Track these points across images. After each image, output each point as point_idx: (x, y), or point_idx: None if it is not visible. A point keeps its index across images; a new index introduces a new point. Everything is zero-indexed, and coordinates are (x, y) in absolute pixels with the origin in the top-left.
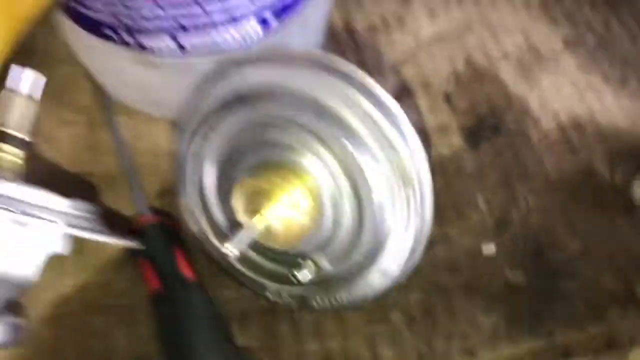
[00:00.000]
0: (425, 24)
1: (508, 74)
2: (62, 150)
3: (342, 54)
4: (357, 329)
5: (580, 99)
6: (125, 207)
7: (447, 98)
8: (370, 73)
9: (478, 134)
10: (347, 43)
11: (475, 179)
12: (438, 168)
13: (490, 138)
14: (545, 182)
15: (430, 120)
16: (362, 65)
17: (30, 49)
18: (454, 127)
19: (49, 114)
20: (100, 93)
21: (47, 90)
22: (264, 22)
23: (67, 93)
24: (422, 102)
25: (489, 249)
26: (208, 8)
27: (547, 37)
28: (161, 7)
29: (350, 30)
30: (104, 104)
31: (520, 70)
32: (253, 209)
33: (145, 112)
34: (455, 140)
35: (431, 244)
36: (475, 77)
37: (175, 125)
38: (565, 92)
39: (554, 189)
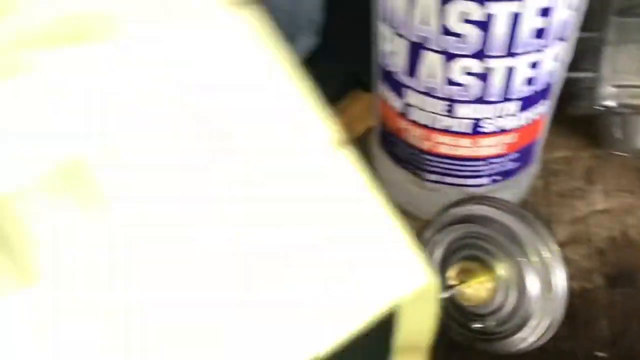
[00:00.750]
0: (599, 200)
1: None
2: None
3: (537, 205)
4: None
5: None
6: None
7: (600, 252)
8: (551, 223)
9: (616, 280)
10: (542, 200)
11: (604, 306)
12: (572, 287)
13: (625, 286)
14: None
15: (581, 262)
16: (549, 216)
17: None
18: (598, 271)
19: None
20: None
21: None
22: (493, 180)
23: None
24: (581, 250)
25: (601, 354)
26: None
27: None
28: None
29: (546, 192)
30: None
31: None
32: (460, 279)
33: (408, 211)
34: (596, 279)
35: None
36: (627, 245)
37: (426, 222)
38: None
39: None
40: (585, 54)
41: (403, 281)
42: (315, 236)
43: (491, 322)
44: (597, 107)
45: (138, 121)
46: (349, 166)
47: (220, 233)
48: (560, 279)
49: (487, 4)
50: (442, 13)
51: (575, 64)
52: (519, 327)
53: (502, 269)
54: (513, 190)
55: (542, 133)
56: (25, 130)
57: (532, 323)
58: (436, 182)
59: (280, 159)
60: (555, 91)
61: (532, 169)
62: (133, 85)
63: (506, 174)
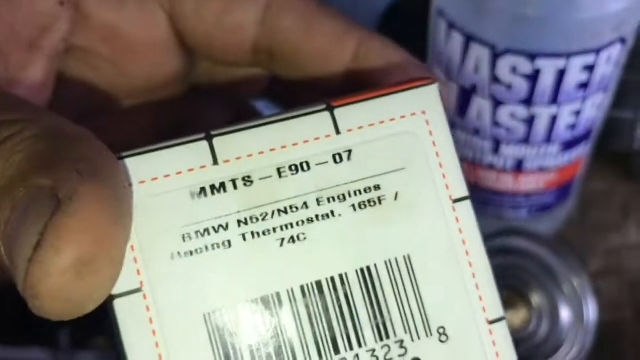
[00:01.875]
0: (633, 233)
1: None
2: None
3: (572, 236)
4: None
5: None
6: None
7: (631, 285)
8: (584, 255)
9: None
10: (577, 231)
11: (631, 339)
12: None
13: None
14: None
15: (612, 294)
16: (583, 247)
17: None
18: (628, 304)
19: None
20: None
21: None
22: (530, 212)
23: None
24: (613, 282)
25: None
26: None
27: None
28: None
29: (582, 223)
30: None
31: None
32: None
33: None
34: (626, 311)
35: None
36: None
37: None
38: None
39: None
40: (627, 94)
41: None
42: None
43: (524, 349)
44: (636, 147)
45: None
46: None
47: None
48: (591, 310)
49: (536, 60)
50: (493, 65)
51: (617, 103)
52: (550, 354)
53: (535, 299)
54: (550, 222)
55: (581, 171)
56: None
57: (563, 351)
58: (477, 212)
59: None
60: (595, 133)
61: (570, 203)
62: None
63: (544, 208)
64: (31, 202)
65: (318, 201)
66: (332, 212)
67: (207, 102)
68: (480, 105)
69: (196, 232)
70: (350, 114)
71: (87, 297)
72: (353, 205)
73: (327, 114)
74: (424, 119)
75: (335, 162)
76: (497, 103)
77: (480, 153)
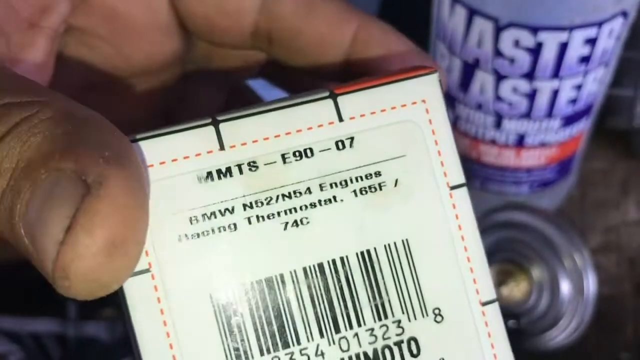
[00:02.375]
0: (632, 211)
1: None
2: None
3: (572, 214)
4: None
5: None
6: None
7: (630, 260)
8: (584, 231)
9: None
10: (577, 208)
11: (630, 312)
12: (601, 293)
13: None
14: None
15: (611, 269)
16: (584, 224)
17: None
18: (627, 279)
19: None
20: None
21: None
22: (531, 188)
23: None
24: (612, 258)
25: (625, 355)
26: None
27: None
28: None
29: (582, 201)
30: None
31: None
32: (498, 280)
33: None
34: (625, 286)
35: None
36: None
37: None
38: None
39: None
40: (626, 72)
41: None
42: None
43: (524, 321)
44: (635, 124)
45: None
46: None
47: None
48: (591, 284)
49: (539, 33)
50: (496, 38)
51: (617, 81)
52: (550, 326)
53: (536, 272)
54: (550, 199)
55: (581, 147)
56: None
57: (563, 323)
58: (479, 188)
59: None
60: (596, 109)
61: (570, 179)
62: None
63: (545, 184)
64: (56, 186)
65: (321, 187)
66: (334, 198)
67: (203, 81)
68: (483, 80)
69: (203, 215)
70: (352, 102)
71: (115, 277)
72: (354, 191)
73: (330, 101)
74: (424, 108)
75: (338, 148)
76: (499, 77)
77: (482, 128)
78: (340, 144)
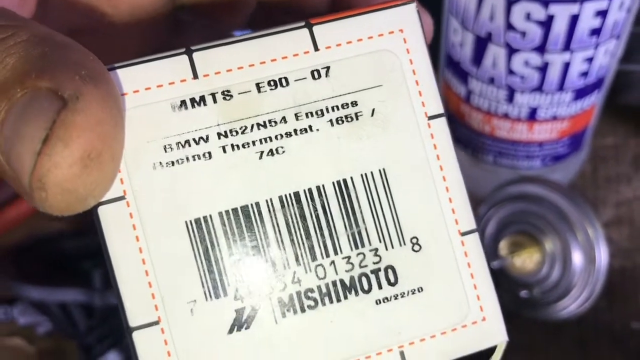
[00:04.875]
0: None
1: None
2: None
3: (585, 188)
4: None
5: None
6: None
7: None
8: (596, 205)
9: None
10: (589, 183)
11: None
12: (613, 265)
13: None
14: None
15: (623, 242)
16: (596, 198)
17: None
18: (638, 251)
19: None
20: None
21: None
22: (544, 162)
23: None
24: (624, 231)
25: (636, 325)
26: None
27: None
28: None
29: (594, 176)
30: None
31: None
32: (511, 251)
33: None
34: (636, 258)
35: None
36: None
37: (480, 201)
38: None
39: None
40: (638, 48)
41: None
42: None
43: (537, 291)
44: None
45: None
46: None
47: None
48: (602, 255)
49: (550, 5)
50: (508, 11)
51: (628, 57)
52: (562, 296)
53: (549, 243)
54: (563, 173)
55: (593, 121)
56: None
57: (574, 293)
58: (492, 163)
59: None
60: (608, 83)
61: (582, 154)
62: None
63: (557, 158)
64: (32, 102)
65: (296, 116)
66: (310, 127)
67: (190, 32)
68: (495, 53)
69: (177, 144)
70: (328, 31)
71: (90, 190)
72: (330, 121)
73: (305, 30)
74: (402, 37)
75: (314, 78)
76: (511, 51)
77: (495, 102)
78: (315, 73)
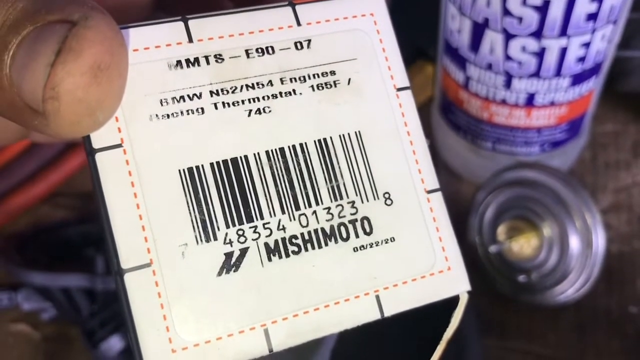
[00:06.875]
0: None
1: None
2: None
3: (583, 175)
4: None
5: None
6: None
7: None
8: (595, 191)
9: None
10: (588, 169)
11: (639, 268)
12: (611, 250)
13: None
14: None
15: (621, 228)
16: (595, 185)
17: None
18: (636, 237)
19: None
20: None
21: None
22: (542, 148)
23: None
24: (622, 217)
25: (634, 309)
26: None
27: None
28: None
29: (593, 162)
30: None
31: None
32: (509, 236)
33: (462, 175)
34: (634, 243)
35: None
36: None
37: (478, 187)
38: None
39: None
40: (636, 34)
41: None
42: None
43: (535, 276)
44: None
45: None
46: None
47: None
48: (600, 240)
49: None
50: None
51: (626, 43)
52: (559, 281)
53: (547, 228)
54: (562, 160)
55: (591, 107)
56: None
57: (572, 278)
58: (491, 149)
59: None
60: (606, 68)
61: (581, 141)
62: None
63: (556, 144)
64: (43, 31)
65: (281, 80)
66: (294, 91)
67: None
68: (492, 39)
69: (172, 98)
70: (309, 10)
71: (99, 103)
72: (312, 86)
73: (289, 8)
74: (372, 20)
75: (297, 48)
76: (508, 36)
77: (493, 88)
78: (298, 44)
